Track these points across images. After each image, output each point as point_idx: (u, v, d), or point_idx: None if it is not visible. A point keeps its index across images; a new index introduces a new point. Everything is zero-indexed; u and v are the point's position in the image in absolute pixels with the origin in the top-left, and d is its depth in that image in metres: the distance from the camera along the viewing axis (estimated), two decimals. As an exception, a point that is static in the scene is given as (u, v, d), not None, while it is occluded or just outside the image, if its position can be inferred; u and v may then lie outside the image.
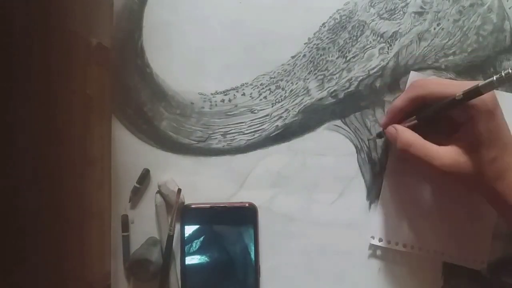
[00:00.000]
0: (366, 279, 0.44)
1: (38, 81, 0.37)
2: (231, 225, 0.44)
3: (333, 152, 0.44)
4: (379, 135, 0.43)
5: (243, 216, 0.44)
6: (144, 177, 0.44)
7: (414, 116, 0.39)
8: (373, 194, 0.44)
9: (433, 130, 0.39)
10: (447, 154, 0.37)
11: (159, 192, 0.44)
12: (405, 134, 0.39)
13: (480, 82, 0.34)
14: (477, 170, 0.36)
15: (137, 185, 0.44)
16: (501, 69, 0.44)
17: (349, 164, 0.44)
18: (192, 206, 0.44)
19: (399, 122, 0.41)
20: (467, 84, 0.35)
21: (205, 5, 0.45)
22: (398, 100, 0.40)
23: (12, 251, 0.35)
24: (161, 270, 0.43)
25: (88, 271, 0.42)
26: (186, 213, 0.44)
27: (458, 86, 0.36)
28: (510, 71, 0.31)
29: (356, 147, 0.44)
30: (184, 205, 0.44)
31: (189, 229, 0.44)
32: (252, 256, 0.44)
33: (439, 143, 0.38)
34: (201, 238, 0.44)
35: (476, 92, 0.34)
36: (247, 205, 0.44)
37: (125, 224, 0.44)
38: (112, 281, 0.44)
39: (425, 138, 0.38)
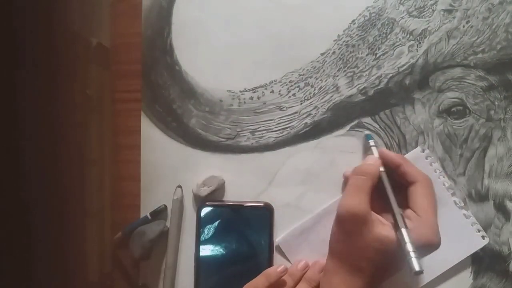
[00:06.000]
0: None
1: (39, 81, 0.37)
2: (247, 224, 0.44)
3: (362, 150, 0.44)
4: None
5: (259, 216, 0.44)
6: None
7: None
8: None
9: None
10: None
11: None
12: None
13: None
14: None
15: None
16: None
17: (379, 161, 0.44)
18: (208, 203, 0.44)
19: None
20: None
21: (234, 2, 0.45)
22: None
23: (12, 251, 0.35)
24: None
25: (88, 271, 0.43)
26: (202, 210, 0.44)
27: None
28: None
29: (385, 144, 0.44)
30: (200, 202, 0.44)
31: (204, 225, 0.44)
32: (266, 256, 0.43)
33: None
34: (216, 236, 0.44)
35: None
36: (262, 205, 0.44)
37: (156, 213, 0.44)
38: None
39: None
